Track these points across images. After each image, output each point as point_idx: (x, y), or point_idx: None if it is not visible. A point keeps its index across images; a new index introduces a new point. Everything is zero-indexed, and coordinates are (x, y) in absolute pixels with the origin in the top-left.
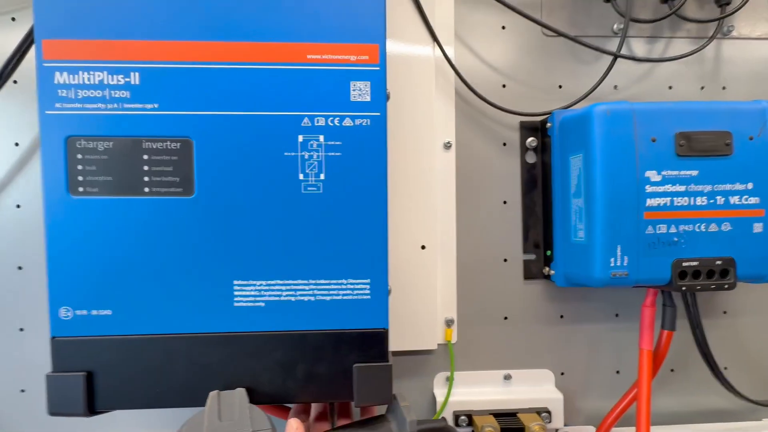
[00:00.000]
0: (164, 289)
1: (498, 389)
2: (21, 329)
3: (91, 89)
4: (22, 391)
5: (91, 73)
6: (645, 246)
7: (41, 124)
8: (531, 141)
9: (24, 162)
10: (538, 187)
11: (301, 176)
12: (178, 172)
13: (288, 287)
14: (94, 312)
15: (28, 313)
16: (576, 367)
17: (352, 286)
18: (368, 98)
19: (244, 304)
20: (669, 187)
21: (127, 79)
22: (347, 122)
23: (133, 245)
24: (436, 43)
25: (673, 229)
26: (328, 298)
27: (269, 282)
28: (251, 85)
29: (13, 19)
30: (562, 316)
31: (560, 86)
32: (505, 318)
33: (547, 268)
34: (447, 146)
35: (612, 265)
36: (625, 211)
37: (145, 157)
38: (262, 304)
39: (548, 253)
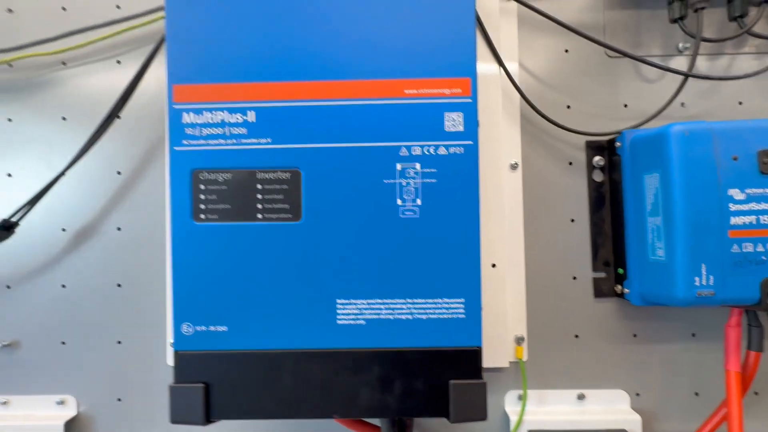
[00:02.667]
0: (274, 307)
1: (572, 409)
2: (119, 342)
3: (213, 127)
4: (119, 399)
5: (214, 113)
6: (731, 265)
7: (171, 160)
8: (598, 160)
9: (125, 189)
10: (607, 205)
11: (399, 202)
12: (287, 200)
13: (387, 306)
14: (212, 328)
15: (126, 327)
16: (651, 388)
17: (447, 305)
18: (461, 128)
19: (346, 322)
20: (754, 205)
21: (245, 118)
22: (442, 151)
23: (247, 266)
24: (501, 67)
25: (760, 248)
26: (424, 316)
27: (369, 301)
28: (354, 119)
29: (119, 62)
30: (635, 335)
31: (625, 105)
32: (576, 336)
33: (619, 287)
34: (514, 167)
35: (697, 284)
36: (709, 229)
37: (259, 186)
38: (363, 322)
39: (620, 271)
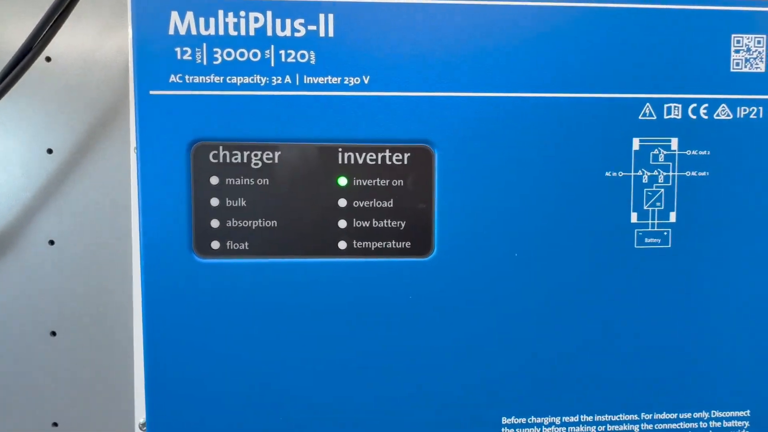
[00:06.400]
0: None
1: None
2: (54, 424)
3: (240, 47)
4: None
5: (241, 14)
6: None
7: (141, 117)
8: None
9: (62, 178)
10: None
11: (634, 216)
12: (402, 211)
13: (600, 428)
14: None
15: (66, 401)
16: None
17: (716, 424)
18: (762, 67)
19: None
20: None
21: (312, 28)
22: (722, 113)
23: (312, 350)
24: None
25: None
26: None
27: (566, 419)
28: (541, 41)
29: None
30: None
31: None
32: None
33: None
34: None
35: None
36: None
37: (342, 180)
38: None
39: None
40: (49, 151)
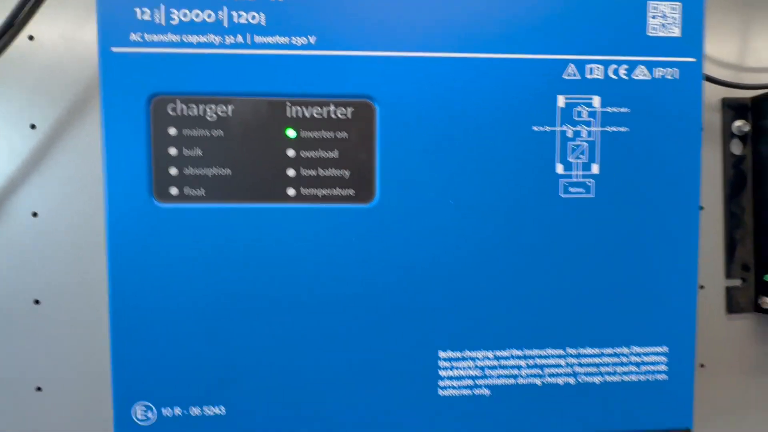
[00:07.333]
0: (317, 366)
1: None
2: (38, 389)
3: (195, 8)
4: None
5: None
6: None
7: (104, 73)
8: (741, 125)
9: (43, 152)
10: (749, 187)
11: (559, 168)
12: (347, 161)
13: (530, 363)
14: (195, 410)
15: (49, 365)
16: None
17: (636, 359)
18: (677, 32)
19: (456, 393)
20: None
21: None
22: (640, 73)
23: (264, 291)
24: None
25: None
26: (595, 379)
27: (498, 353)
28: (477, 5)
29: None
30: None
31: None
32: (702, 366)
33: (766, 300)
34: None
35: None
36: None
37: (291, 133)
38: (487, 392)
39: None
40: (32, 126)
